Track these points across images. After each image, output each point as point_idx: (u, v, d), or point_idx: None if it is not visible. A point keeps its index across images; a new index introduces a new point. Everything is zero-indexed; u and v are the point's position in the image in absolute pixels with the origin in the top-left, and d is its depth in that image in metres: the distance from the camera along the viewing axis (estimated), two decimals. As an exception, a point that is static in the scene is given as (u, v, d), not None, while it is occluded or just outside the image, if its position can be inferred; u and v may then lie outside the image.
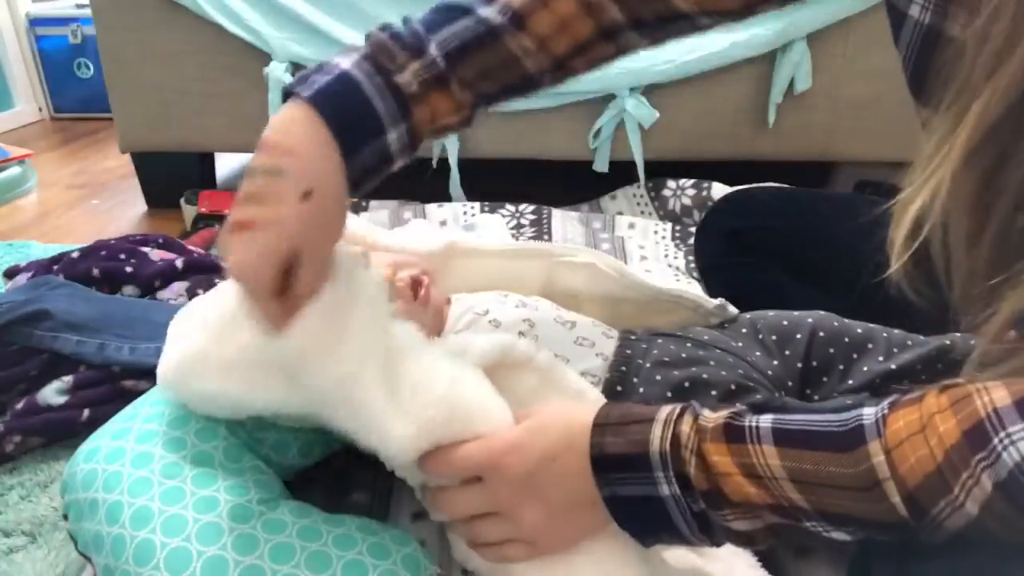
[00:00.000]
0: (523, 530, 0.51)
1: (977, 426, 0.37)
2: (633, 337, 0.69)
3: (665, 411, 0.47)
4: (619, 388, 0.62)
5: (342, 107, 0.48)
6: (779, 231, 0.86)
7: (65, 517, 0.59)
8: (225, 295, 0.58)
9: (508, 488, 0.50)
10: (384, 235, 0.76)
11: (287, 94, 0.50)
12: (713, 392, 0.60)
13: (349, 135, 0.48)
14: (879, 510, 0.39)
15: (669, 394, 0.61)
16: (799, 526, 0.43)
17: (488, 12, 0.54)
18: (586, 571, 0.51)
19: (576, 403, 0.56)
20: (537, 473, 0.49)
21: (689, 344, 0.67)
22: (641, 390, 0.62)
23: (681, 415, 0.47)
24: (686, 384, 0.61)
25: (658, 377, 0.62)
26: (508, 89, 0.57)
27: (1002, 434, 0.36)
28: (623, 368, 0.64)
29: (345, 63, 0.50)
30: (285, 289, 0.48)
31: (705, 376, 0.61)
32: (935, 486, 0.37)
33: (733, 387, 0.60)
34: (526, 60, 0.55)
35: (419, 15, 0.55)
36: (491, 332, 0.67)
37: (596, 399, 0.58)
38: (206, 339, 0.56)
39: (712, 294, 0.91)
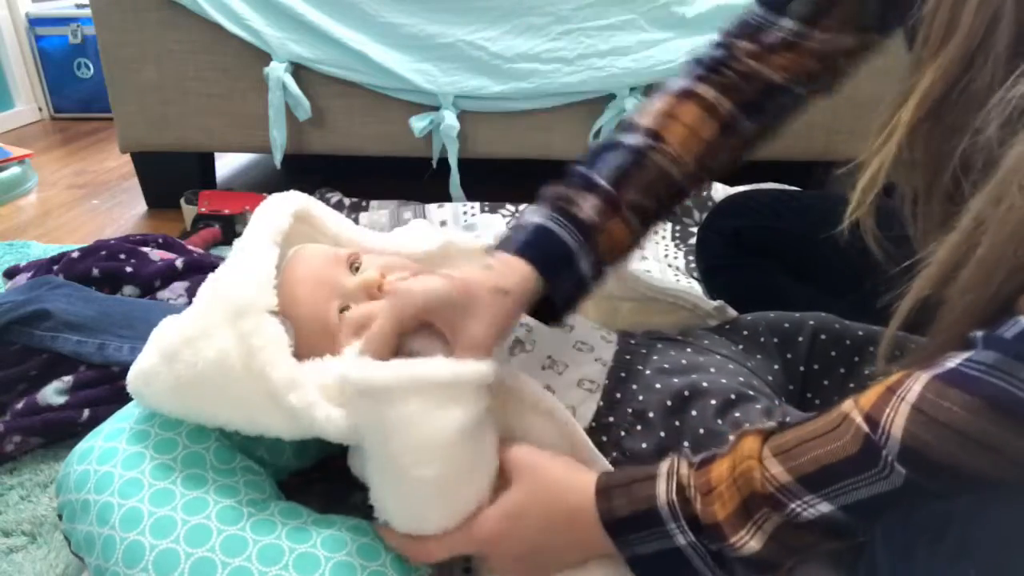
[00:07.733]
0: None
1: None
2: (632, 342, 0.68)
3: (664, 465, 0.50)
4: (618, 395, 0.62)
5: (540, 249, 0.58)
6: (781, 232, 0.86)
7: (60, 517, 0.59)
8: (188, 317, 0.58)
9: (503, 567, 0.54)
10: (376, 238, 0.75)
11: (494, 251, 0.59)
12: (713, 401, 0.59)
13: (548, 267, 0.58)
14: (845, 442, 0.43)
15: (668, 403, 0.60)
16: (788, 515, 0.44)
17: (631, 139, 0.64)
18: None
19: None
20: (531, 555, 0.52)
21: (689, 350, 0.67)
22: (640, 398, 0.61)
23: (679, 464, 0.50)
24: (686, 393, 0.60)
25: (658, 385, 0.61)
26: (663, 202, 0.64)
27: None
28: (622, 374, 0.63)
29: (536, 218, 0.60)
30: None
31: (705, 384, 0.61)
32: (886, 399, 0.42)
33: (733, 396, 0.59)
34: (672, 169, 0.63)
35: (579, 162, 0.64)
36: None
37: (563, 418, 0.58)
38: (158, 358, 0.57)
39: (714, 295, 0.90)
